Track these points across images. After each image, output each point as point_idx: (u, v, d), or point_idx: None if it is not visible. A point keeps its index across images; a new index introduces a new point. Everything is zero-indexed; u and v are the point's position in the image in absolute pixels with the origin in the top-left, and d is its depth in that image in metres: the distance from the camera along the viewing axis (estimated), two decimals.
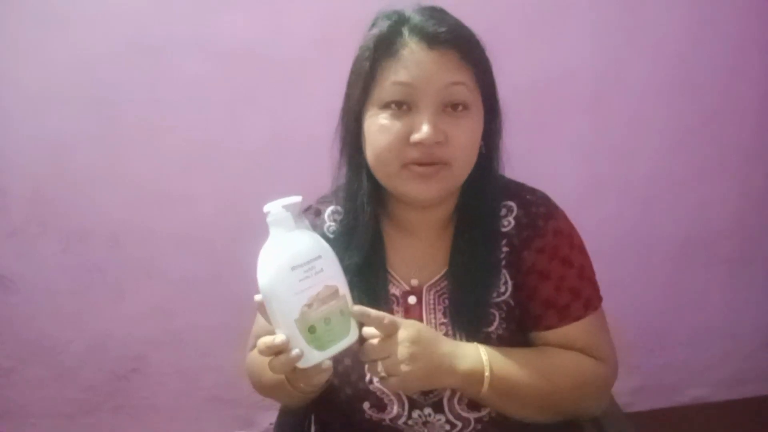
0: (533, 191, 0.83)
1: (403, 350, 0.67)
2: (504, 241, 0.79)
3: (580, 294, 0.78)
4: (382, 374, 0.68)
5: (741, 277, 1.68)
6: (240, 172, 1.45)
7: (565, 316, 0.77)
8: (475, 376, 0.71)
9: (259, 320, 0.85)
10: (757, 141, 1.58)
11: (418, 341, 0.69)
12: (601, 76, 1.49)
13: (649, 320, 1.65)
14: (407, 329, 0.69)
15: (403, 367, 0.67)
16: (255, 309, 0.83)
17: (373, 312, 0.67)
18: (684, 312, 1.66)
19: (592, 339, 0.79)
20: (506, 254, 0.79)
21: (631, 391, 1.68)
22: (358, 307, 0.67)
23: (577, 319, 0.77)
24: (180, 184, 1.44)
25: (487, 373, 0.71)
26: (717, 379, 1.72)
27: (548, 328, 0.77)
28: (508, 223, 0.80)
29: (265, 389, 0.83)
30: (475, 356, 0.72)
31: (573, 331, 0.77)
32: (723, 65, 1.53)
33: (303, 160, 1.44)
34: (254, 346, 0.82)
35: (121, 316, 1.49)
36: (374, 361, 0.68)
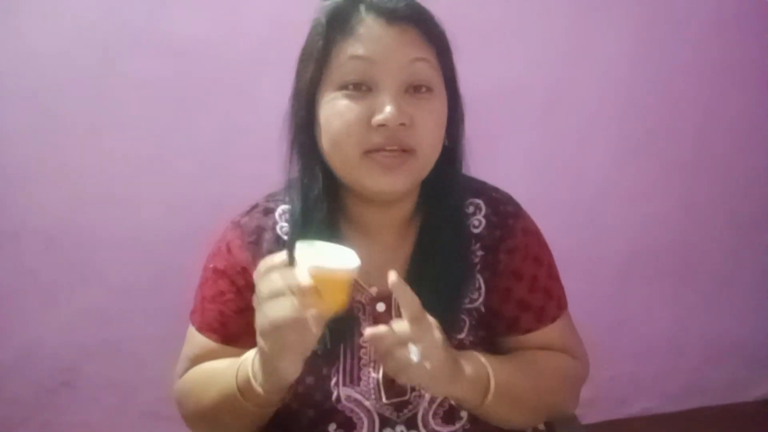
0: (497, 189, 0.80)
1: (437, 333, 0.60)
2: (477, 245, 0.75)
3: (552, 294, 0.77)
4: (414, 359, 0.57)
5: (685, 292, 1.72)
6: (188, 175, 1.40)
7: (542, 318, 0.76)
8: (481, 381, 0.66)
9: (196, 342, 0.76)
10: (696, 159, 1.66)
11: (441, 329, 0.61)
12: (551, 92, 1.54)
13: (596, 333, 1.66)
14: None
15: (441, 352, 0.60)
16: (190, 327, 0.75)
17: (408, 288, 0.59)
18: (631, 325, 1.69)
19: (566, 339, 0.79)
20: (481, 258, 0.75)
21: (582, 403, 1.68)
22: (394, 278, 0.58)
23: (554, 320, 0.77)
24: (124, 185, 1.38)
25: (492, 377, 0.66)
26: (664, 392, 1.74)
27: (528, 331, 0.75)
28: (479, 222, 0.76)
29: (205, 412, 0.71)
30: (475, 358, 0.67)
31: (550, 332, 0.76)
32: (666, 87, 1.60)
33: (255, 163, 1.42)
34: (187, 369, 0.76)
35: (52, 323, 1.40)
36: (402, 347, 0.58)
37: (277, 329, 0.54)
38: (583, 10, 1.53)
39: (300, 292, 0.54)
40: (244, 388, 0.64)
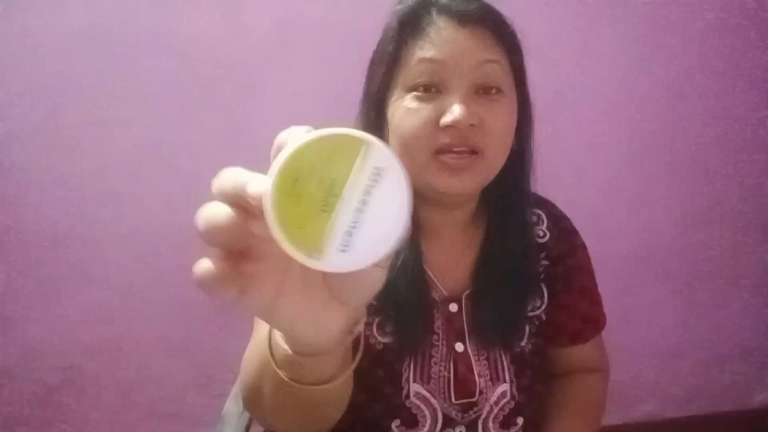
0: (554, 204, 0.84)
1: None
2: (543, 254, 0.77)
3: (600, 303, 0.83)
4: None
5: (689, 295, 1.71)
6: (192, 173, 1.40)
7: (597, 327, 0.82)
8: None
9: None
10: (699, 162, 1.65)
11: None
12: (553, 93, 1.53)
13: None
14: None
15: None
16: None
17: None
18: (633, 328, 1.68)
19: (602, 350, 0.86)
20: (545, 267, 0.77)
21: None
22: None
23: (603, 327, 0.83)
24: (127, 183, 1.38)
25: None
26: (667, 396, 1.73)
27: (587, 340, 0.80)
28: (543, 233, 0.79)
29: (250, 383, 0.55)
30: None
31: (598, 341, 0.83)
32: (669, 88, 1.59)
33: (257, 162, 1.42)
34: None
35: (55, 321, 1.40)
36: None
37: (207, 234, 0.33)
38: (587, 10, 1.53)
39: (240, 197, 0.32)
40: (272, 345, 0.46)
